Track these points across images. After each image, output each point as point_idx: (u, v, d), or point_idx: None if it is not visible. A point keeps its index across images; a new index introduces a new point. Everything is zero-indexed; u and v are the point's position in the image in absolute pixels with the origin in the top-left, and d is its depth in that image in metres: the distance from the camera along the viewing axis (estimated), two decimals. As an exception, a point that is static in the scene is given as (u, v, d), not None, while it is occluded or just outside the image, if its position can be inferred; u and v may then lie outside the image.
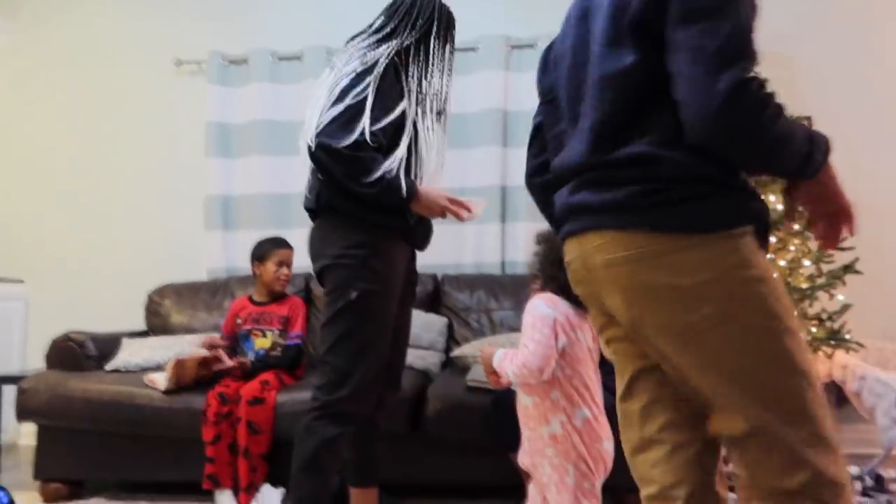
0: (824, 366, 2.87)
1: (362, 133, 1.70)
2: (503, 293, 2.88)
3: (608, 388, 2.17)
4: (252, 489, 2.20)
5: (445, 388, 2.35)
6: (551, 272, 1.50)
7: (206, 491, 2.28)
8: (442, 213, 1.80)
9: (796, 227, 2.79)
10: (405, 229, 1.83)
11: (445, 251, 3.13)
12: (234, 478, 2.25)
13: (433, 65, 1.94)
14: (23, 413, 2.52)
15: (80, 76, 3.71)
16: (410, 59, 1.91)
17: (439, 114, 1.97)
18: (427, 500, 2.37)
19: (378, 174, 1.71)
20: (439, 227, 3.20)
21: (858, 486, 2.51)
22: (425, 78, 1.92)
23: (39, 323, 3.53)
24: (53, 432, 2.51)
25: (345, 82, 1.76)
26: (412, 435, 2.29)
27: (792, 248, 2.80)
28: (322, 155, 1.70)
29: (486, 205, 1.89)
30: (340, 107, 1.71)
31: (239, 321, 2.64)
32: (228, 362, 2.45)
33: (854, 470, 2.58)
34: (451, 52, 1.99)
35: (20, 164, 3.70)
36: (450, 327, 2.91)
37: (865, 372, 2.69)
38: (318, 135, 1.69)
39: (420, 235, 1.92)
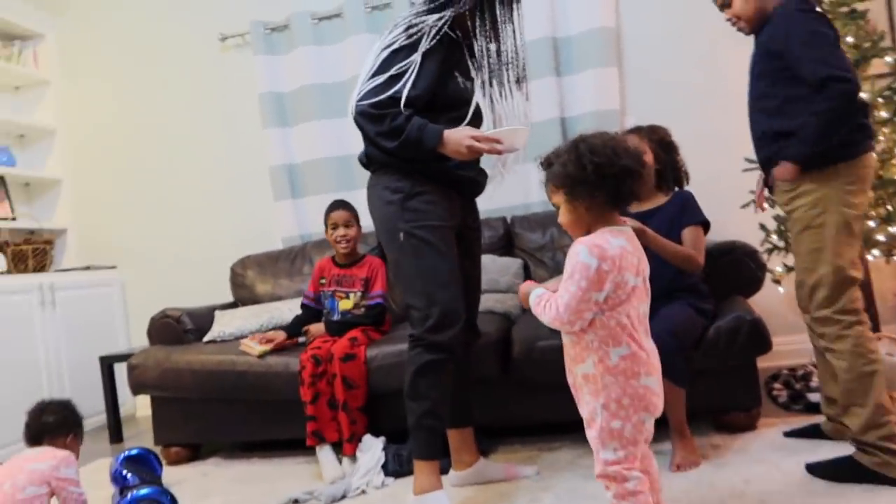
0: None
1: (393, 94, 1.78)
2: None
3: (701, 312, 2.17)
4: (354, 439, 2.31)
5: (528, 329, 2.36)
6: (596, 180, 1.35)
7: (312, 447, 2.40)
8: (472, 152, 1.76)
9: (884, 114, 2.60)
10: (444, 175, 1.87)
11: (512, 193, 3.10)
12: (338, 431, 2.36)
13: (502, 31, 1.88)
14: (136, 387, 2.72)
15: (133, 68, 3.81)
16: (477, 27, 1.87)
17: (518, 81, 1.95)
18: (522, 440, 2.43)
19: (401, 131, 1.76)
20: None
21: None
22: (494, 45, 1.88)
23: (136, 305, 3.76)
24: (166, 402, 2.70)
25: (384, 55, 1.83)
26: (502, 377, 2.33)
27: (882, 138, 2.62)
28: (358, 118, 1.82)
29: (528, 133, 1.82)
30: (380, 78, 1.79)
31: (323, 281, 2.74)
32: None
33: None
34: (520, 12, 1.90)
35: (99, 159, 3.88)
36: (525, 268, 2.91)
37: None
38: (357, 102, 1.81)
39: (466, 183, 1.94)
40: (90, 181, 3.89)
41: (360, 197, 2.92)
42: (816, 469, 1.81)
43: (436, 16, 1.85)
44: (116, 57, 3.84)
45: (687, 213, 2.21)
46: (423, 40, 1.82)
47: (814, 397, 2.36)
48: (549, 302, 1.39)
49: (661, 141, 2.27)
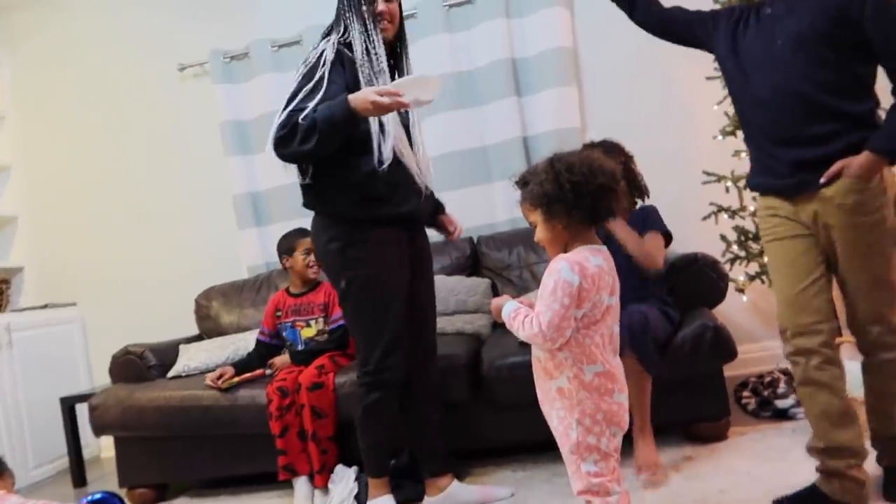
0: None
1: (291, 111, 1.86)
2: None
3: (661, 300, 2.19)
4: (325, 470, 2.26)
5: (497, 348, 2.35)
6: (573, 198, 1.35)
7: (284, 480, 2.35)
8: (378, 108, 1.78)
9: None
10: (382, 218, 1.94)
11: (477, 213, 3.10)
12: (309, 462, 2.31)
13: (363, 43, 1.96)
14: (98, 428, 2.64)
15: (90, 100, 3.75)
16: (355, 46, 1.97)
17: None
18: (495, 461, 2.40)
19: (311, 127, 1.82)
20: (468, 190, 3.21)
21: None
22: (369, 58, 1.96)
23: (97, 342, 3.65)
24: (130, 442, 2.62)
25: (292, 88, 1.93)
26: (473, 399, 2.31)
27: None
28: (276, 151, 1.90)
29: (439, 83, 1.86)
30: (283, 114, 1.88)
31: (279, 313, 2.69)
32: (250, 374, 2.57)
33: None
34: (374, 24, 1.98)
35: (56, 194, 3.79)
36: (493, 288, 2.91)
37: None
38: (270, 142, 1.91)
39: (407, 219, 1.99)
40: (47, 217, 3.79)
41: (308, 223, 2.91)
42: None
43: (323, 42, 2.00)
44: (72, 90, 3.77)
45: (648, 223, 2.26)
46: (318, 70, 1.92)
47: (781, 403, 2.39)
48: (528, 318, 1.37)
49: (623, 155, 2.32)
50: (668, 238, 2.30)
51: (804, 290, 1.62)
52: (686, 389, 2.21)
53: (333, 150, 1.87)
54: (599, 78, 3.21)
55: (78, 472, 3.11)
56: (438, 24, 3.20)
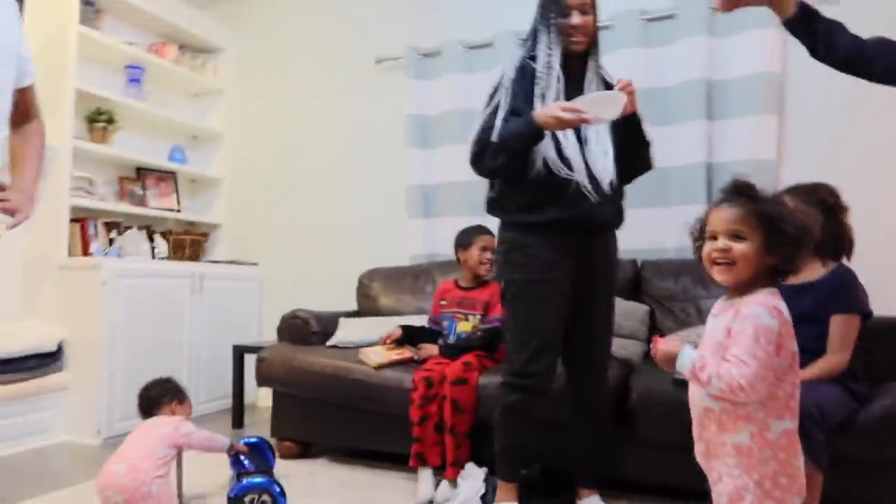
0: None
1: (483, 128, 2.01)
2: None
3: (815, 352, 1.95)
4: (458, 464, 2.31)
5: (649, 380, 2.25)
6: (792, 242, 1.28)
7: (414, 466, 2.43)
8: (561, 123, 1.85)
9: None
10: (544, 223, 1.97)
11: (644, 235, 2.98)
12: (441, 455, 2.37)
13: (547, 56, 2.00)
14: (262, 379, 2.91)
15: (295, 80, 4.14)
16: (539, 58, 2.02)
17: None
18: (634, 498, 2.30)
19: (502, 144, 1.95)
20: (640, 211, 3.09)
21: None
22: (547, 72, 1.99)
23: (270, 301, 4.02)
24: (287, 397, 2.85)
25: (485, 102, 2.07)
26: (616, 429, 2.24)
27: None
28: (475, 171, 2.07)
29: (623, 101, 1.85)
30: (475, 133, 2.04)
31: (443, 303, 2.78)
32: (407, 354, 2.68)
33: None
34: (558, 38, 2.00)
35: (256, 164, 4.23)
36: (651, 315, 2.78)
37: None
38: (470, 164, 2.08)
39: (573, 222, 1.97)
40: (245, 183, 4.25)
41: (487, 222, 2.96)
42: None
43: (516, 51, 2.15)
44: (282, 72, 4.18)
45: (839, 296, 1.98)
46: (502, 81, 2.05)
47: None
48: (719, 365, 1.25)
49: (821, 203, 2.07)
50: (865, 316, 2.01)
51: None
52: (858, 469, 1.96)
53: (523, 163, 1.95)
54: (807, 110, 2.93)
55: (238, 414, 3.45)
56: (634, 37, 3.11)
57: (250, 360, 3.23)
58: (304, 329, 3.03)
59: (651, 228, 2.99)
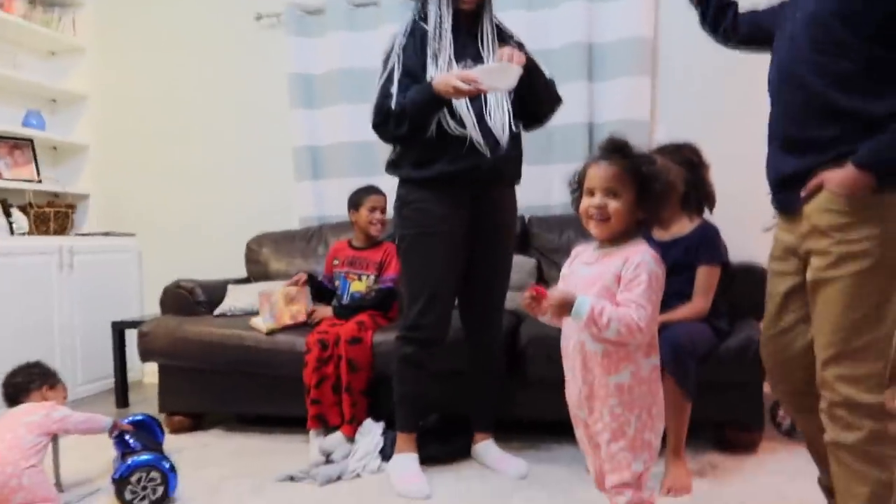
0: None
1: (381, 98, 2.02)
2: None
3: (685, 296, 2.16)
4: (355, 421, 2.33)
5: (537, 326, 2.35)
6: (658, 198, 1.40)
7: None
8: (459, 93, 1.87)
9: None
10: (435, 177, 2.00)
11: (532, 192, 3.08)
12: (340, 414, 2.37)
13: (436, 17, 2.01)
14: (145, 354, 2.76)
15: (168, 39, 3.85)
16: (429, 19, 2.03)
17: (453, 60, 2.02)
18: (526, 437, 2.42)
19: (401, 113, 1.96)
20: (526, 168, 3.17)
21: None
22: (438, 34, 2.01)
23: (151, 273, 3.80)
24: (173, 371, 2.73)
25: (380, 69, 2.06)
26: (508, 373, 2.33)
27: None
28: (381, 138, 2.13)
29: (519, 73, 1.87)
30: (375, 97, 2.04)
31: (336, 262, 2.77)
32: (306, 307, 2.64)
33: None
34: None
35: (126, 128, 3.93)
36: (539, 268, 2.90)
37: None
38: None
39: (464, 175, 1.99)
40: (116, 149, 3.93)
41: (380, 183, 2.95)
42: None
43: (409, 13, 2.10)
44: (152, 27, 3.88)
45: (704, 249, 2.19)
46: (396, 42, 2.06)
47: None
48: (618, 315, 1.31)
49: (686, 161, 2.25)
50: (724, 267, 2.23)
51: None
52: (723, 392, 2.19)
53: (428, 129, 1.97)
54: (677, 72, 3.12)
55: (122, 393, 3.26)
56: (520, -1, 3.16)
57: (132, 337, 3.05)
58: (189, 299, 2.90)
59: (537, 185, 3.09)
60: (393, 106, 1.97)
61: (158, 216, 3.86)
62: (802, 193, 1.32)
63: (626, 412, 1.36)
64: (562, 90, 3.07)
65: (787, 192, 1.38)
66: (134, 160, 3.90)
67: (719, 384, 2.17)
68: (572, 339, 1.43)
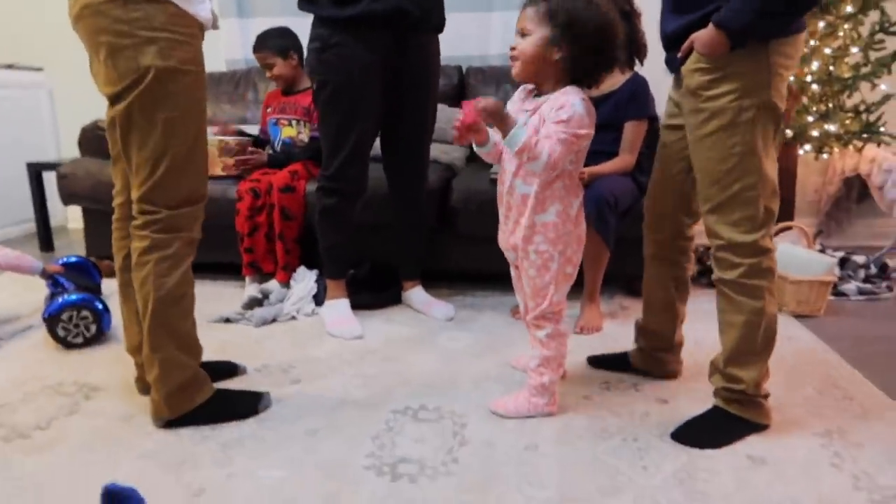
0: (852, 159, 2.86)
1: None
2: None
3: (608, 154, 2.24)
4: (289, 269, 2.38)
5: (469, 181, 2.40)
6: (594, 47, 1.37)
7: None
8: None
9: (850, 9, 2.59)
10: (357, 18, 1.86)
11: (470, 41, 2.98)
12: (273, 262, 2.42)
13: None
14: (67, 197, 2.67)
15: None
16: None
17: None
18: (454, 286, 2.55)
19: None
20: (464, 16, 3.04)
21: (862, 273, 2.65)
22: None
23: (66, 113, 3.55)
24: (100, 214, 2.65)
25: None
26: (440, 226, 2.40)
27: (840, 33, 2.63)
28: None
29: None
30: None
31: (269, 110, 2.69)
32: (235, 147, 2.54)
33: (860, 259, 2.70)
34: None
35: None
36: (474, 121, 2.88)
37: (893, 164, 2.68)
38: None
39: (388, 16, 1.88)
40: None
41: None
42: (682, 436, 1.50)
43: None
44: None
45: (634, 103, 2.20)
46: None
47: (721, 273, 2.56)
48: (543, 147, 1.36)
49: (620, 10, 2.19)
50: (652, 120, 2.25)
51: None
52: (635, 247, 2.32)
53: None
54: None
55: (45, 237, 3.19)
56: None
57: (51, 180, 2.92)
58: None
59: (475, 34, 2.99)
60: None
61: (70, 50, 3.51)
62: (679, 54, 1.42)
63: (550, 248, 1.47)
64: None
65: (672, 52, 1.46)
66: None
67: (632, 239, 2.30)
68: (507, 184, 1.50)
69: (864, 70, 2.62)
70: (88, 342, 2.00)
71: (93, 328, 2.00)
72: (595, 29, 1.36)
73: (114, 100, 1.37)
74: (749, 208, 1.39)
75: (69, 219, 3.64)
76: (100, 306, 2.02)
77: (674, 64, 1.46)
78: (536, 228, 1.47)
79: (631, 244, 2.26)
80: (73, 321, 1.97)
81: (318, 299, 2.29)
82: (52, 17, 3.50)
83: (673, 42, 1.44)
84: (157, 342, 1.44)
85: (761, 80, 1.33)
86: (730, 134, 1.36)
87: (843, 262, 2.68)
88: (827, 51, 2.62)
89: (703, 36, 1.34)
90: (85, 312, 1.99)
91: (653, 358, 1.78)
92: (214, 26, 1.46)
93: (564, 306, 1.53)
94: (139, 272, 1.43)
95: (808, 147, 2.73)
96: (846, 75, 2.62)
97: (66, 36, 3.59)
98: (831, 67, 2.62)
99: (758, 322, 1.43)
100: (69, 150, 3.34)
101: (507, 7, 2.94)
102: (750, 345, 1.44)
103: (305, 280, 2.33)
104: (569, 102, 1.37)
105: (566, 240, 1.47)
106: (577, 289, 2.11)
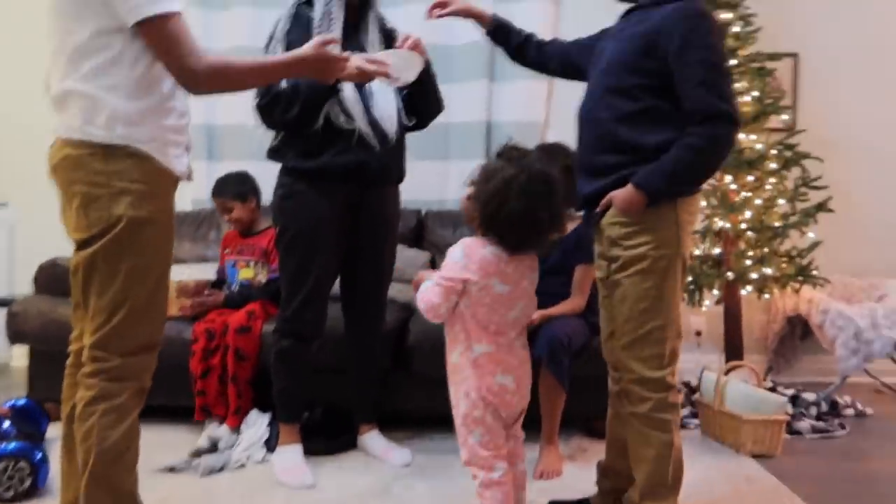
0: (791, 300, 3.01)
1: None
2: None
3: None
4: (240, 413, 2.31)
5: (426, 321, 2.41)
6: (505, 228, 1.47)
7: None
8: (363, 76, 1.82)
9: (774, 165, 2.85)
10: (321, 170, 1.98)
11: (428, 188, 3.15)
12: (225, 406, 2.35)
13: (324, 5, 1.99)
14: (15, 336, 2.60)
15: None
16: (315, 6, 2.00)
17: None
18: (410, 430, 2.49)
19: (294, 93, 1.91)
20: (423, 164, 3.24)
21: (814, 410, 2.71)
22: (327, 22, 1.97)
23: (24, 248, 3.53)
24: (46, 355, 2.57)
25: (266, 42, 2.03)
26: (395, 367, 2.40)
27: (768, 186, 2.87)
28: (263, 122, 2.03)
29: (422, 65, 1.92)
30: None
31: (227, 251, 2.72)
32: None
33: (811, 396, 2.78)
34: None
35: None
36: (433, 263, 2.98)
37: (829, 305, 2.83)
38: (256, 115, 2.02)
39: (350, 171, 1.99)
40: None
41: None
42: None
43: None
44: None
45: (580, 250, 2.28)
46: (279, 26, 2.02)
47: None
48: (419, 293, 1.50)
49: (565, 166, 2.35)
50: None
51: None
52: (593, 387, 2.33)
53: (316, 120, 1.92)
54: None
55: (-15, 376, 3.05)
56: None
57: (0, 315, 2.85)
58: (67, 279, 2.72)
59: (434, 181, 3.16)
60: (283, 84, 1.90)
61: (35, 185, 3.54)
62: (597, 210, 1.61)
63: (458, 389, 1.51)
64: (463, 88, 3.17)
65: (590, 210, 1.66)
66: (5, 122, 3.59)
67: (589, 378, 2.32)
68: None
69: (793, 219, 2.85)
70: (17, 498, 1.86)
71: (27, 481, 1.88)
72: (493, 192, 1.46)
73: (81, 245, 1.39)
74: (658, 347, 1.53)
75: (13, 356, 3.50)
76: (38, 456, 1.91)
77: (593, 219, 1.65)
78: (449, 367, 1.54)
79: (586, 383, 2.29)
80: (8, 472, 1.86)
81: (270, 445, 2.21)
82: (20, 154, 3.58)
83: (590, 201, 1.64)
84: (94, 500, 1.36)
85: (672, 234, 1.53)
86: (646, 278, 1.52)
87: (794, 400, 2.74)
88: (758, 201, 2.84)
89: (623, 194, 1.53)
90: (22, 464, 1.88)
91: (616, 500, 1.75)
92: (189, 178, 1.53)
93: (490, 454, 1.48)
94: (82, 424, 1.39)
95: (749, 288, 2.88)
96: (777, 224, 2.83)
97: (34, 173, 3.66)
98: (763, 216, 2.83)
99: (668, 455, 1.51)
100: (22, 286, 3.28)
101: (462, 157, 3.14)
102: (662, 478, 1.52)
103: (257, 425, 2.26)
104: (451, 251, 1.50)
105: (469, 382, 1.49)
106: (535, 432, 2.11)
